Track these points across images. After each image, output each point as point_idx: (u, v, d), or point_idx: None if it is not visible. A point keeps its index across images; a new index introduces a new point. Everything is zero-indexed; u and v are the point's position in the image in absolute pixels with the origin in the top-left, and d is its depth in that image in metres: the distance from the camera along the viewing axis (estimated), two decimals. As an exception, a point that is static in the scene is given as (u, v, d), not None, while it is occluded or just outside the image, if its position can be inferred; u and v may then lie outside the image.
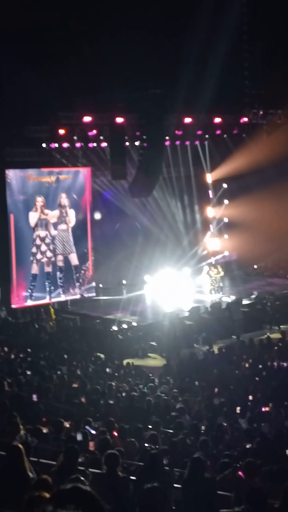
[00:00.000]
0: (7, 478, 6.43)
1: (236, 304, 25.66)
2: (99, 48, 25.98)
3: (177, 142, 29.83)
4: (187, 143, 30.30)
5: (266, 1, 29.37)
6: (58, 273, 26.81)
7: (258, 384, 16.01)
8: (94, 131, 26.74)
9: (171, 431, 11.54)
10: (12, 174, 25.07)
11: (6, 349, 19.09)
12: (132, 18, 26.61)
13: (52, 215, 26.35)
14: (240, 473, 7.85)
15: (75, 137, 26.66)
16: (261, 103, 30.70)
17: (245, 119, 30.87)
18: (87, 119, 26.29)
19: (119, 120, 26.13)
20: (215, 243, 31.98)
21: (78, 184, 27.25)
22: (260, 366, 17.72)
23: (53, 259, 26.62)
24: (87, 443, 9.28)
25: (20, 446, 6.79)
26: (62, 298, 27.01)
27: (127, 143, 27.23)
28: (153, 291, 28.02)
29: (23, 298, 25.43)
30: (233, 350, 20.38)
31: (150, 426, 11.37)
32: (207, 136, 30.55)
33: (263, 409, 13.59)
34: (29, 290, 25.70)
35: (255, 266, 33.38)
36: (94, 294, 28.04)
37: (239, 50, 30.10)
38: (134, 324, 24.33)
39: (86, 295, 27.67)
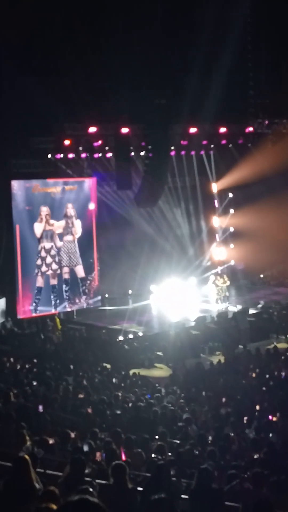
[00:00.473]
0: (14, 489, 6.40)
1: (243, 314, 25.59)
2: (104, 59, 26.06)
3: (183, 152, 29.86)
4: (193, 153, 30.33)
5: (271, 11, 29.43)
6: (64, 286, 26.57)
7: (265, 394, 15.94)
8: (100, 142, 26.80)
9: (177, 441, 11.49)
10: (17, 185, 25.13)
11: (12, 359, 19.05)
12: (137, 29, 26.73)
13: (58, 225, 26.30)
14: (247, 483, 7.80)
15: (80, 148, 26.71)
16: (266, 112, 30.73)
17: (250, 129, 30.89)
18: (92, 129, 26.35)
19: (124, 130, 26.18)
20: (221, 253, 31.95)
21: (83, 194, 27.30)
22: (267, 376, 17.65)
23: (58, 271, 26.39)
24: (94, 454, 9.24)
25: (27, 457, 6.77)
26: (68, 309, 26.98)
27: (132, 153, 27.29)
28: (159, 301, 27.99)
29: (29, 309, 25.40)
30: (240, 360, 20.31)
31: (156, 437, 11.33)
32: (212, 145, 30.56)
33: (270, 419, 13.52)
34: (34, 304, 25.49)
35: (261, 276, 33.32)
36: (99, 304, 28.01)
37: (243, 59, 30.15)
38: (140, 334, 24.29)
39: (92, 305, 27.65)
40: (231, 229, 32.20)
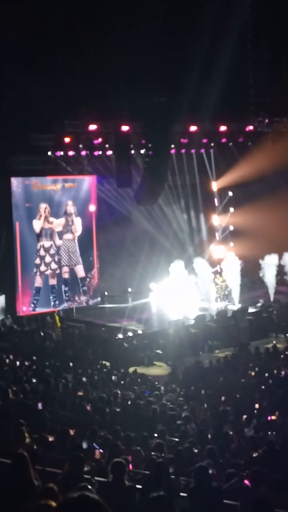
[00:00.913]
0: (13, 486, 6.40)
1: (242, 312, 25.59)
2: (104, 56, 26.03)
3: (183, 150, 29.87)
4: (193, 151, 30.34)
5: (271, 9, 29.42)
6: (63, 286, 26.35)
7: (264, 393, 15.94)
8: (100, 139, 26.79)
9: (177, 439, 11.49)
10: (17, 182, 25.11)
11: (11, 356, 19.06)
12: (137, 27, 26.71)
13: (57, 223, 26.21)
14: (246, 482, 7.80)
15: (80, 145, 26.69)
16: (266, 111, 30.72)
17: (251, 127, 30.88)
18: (92, 127, 26.34)
19: (125, 128, 26.18)
20: (220, 251, 31.92)
21: (83, 192, 27.27)
22: (266, 375, 17.65)
23: (58, 271, 26.15)
24: (93, 452, 9.24)
25: (25, 454, 6.76)
26: (67, 307, 26.95)
27: (132, 151, 27.27)
28: (158, 299, 27.98)
29: (28, 307, 25.37)
30: (239, 359, 20.32)
31: (156, 435, 11.32)
32: (212, 144, 30.57)
33: (269, 418, 13.51)
34: (32, 305, 25.31)
35: (261, 274, 33.29)
36: (99, 301, 27.99)
37: (244, 58, 30.14)
38: (140, 332, 24.29)
39: (91, 303, 27.64)
40: (231, 228, 32.19)
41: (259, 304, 27.21)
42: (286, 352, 20.40)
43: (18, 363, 18.49)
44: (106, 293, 28.99)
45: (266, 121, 30.96)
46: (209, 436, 12.10)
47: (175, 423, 12.81)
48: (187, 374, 19.21)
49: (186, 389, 17.24)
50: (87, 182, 27.57)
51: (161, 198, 29.22)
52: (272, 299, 27.64)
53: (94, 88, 25.86)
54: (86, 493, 2.58)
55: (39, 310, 25.52)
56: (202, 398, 16.16)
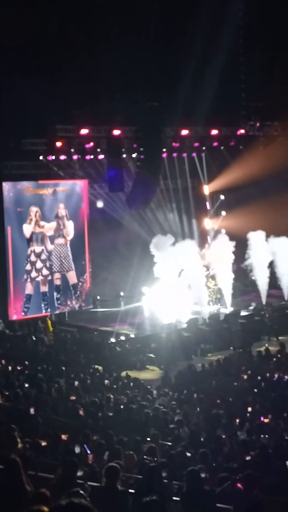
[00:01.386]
0: (5, 492, 6.38)
1: (234, 316, 25.61)
2: (97, 61, 26.04)
3: (174, 154, 29.90)
4: (184, 155, 30.40)
5: (263, 13, 29.54)
6: (55, 293, 25.96)
7: (256, 396, 15.95)
8: (91, 144, 26.77)
9: (169, 443, 11.47)
10: (9, 187, 25.02)
11: (3, 361, 18.99)
12: (130, 31, 26.75)
13: (49, 227, 25.97)
14: (239, 485, 7.80)
15: (72, 150, 26.67)
16: (258, 115, 30.80)
17: (242, 131, 30.95)
18: (84, 131, 26.33)
19: (116, 132, 26.20)
20: (212, 254, 31.87)
21: (75, 196, 27.20)
22: (259, 378, 17.66)
23: (49, 277, 25.68)
24: (86, 457, 9.22)
25: (18, 459, 6.74)
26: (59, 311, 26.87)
27: (124, 155, 27.28)
28: (151, 303, 27.93)
29: (20, 312, 25.25)
30: (232, 362, 20.33)
31: (148, 439, 11.31)
32: (204, 148, 30.63)
33: (262, 421, 13.53)
34: (23, 313, 24.95)
35: (253, 278, 33.30)
36: (91, 306, 27.94)
37: (236, 62, 30.20)
38: (132, 336, 24.26)
39: (84, 308, 27.57)
40: (223, 231, 32.20)
41: (251, 308, 27.24)
42: (279, 355, 20.43)
43: (10, 368, 18.43)
44: (98, 297, 28.93)
45: (258, 125, 31.05)
46: (202, 439, 12.10)
47: (168, 427, 12.81)
48: (179, 378, 19.20)
49: (179, 393, 17.23)
50: (79, 186, 27.52)
51: (153, 202, 29.24)
52: (264, 302, 27.65)
53: (87, 92, 25.87)
54: (74, 500, 2.57)
55: (31, 315, 25.36)
56: (195, 402, 16.16)
